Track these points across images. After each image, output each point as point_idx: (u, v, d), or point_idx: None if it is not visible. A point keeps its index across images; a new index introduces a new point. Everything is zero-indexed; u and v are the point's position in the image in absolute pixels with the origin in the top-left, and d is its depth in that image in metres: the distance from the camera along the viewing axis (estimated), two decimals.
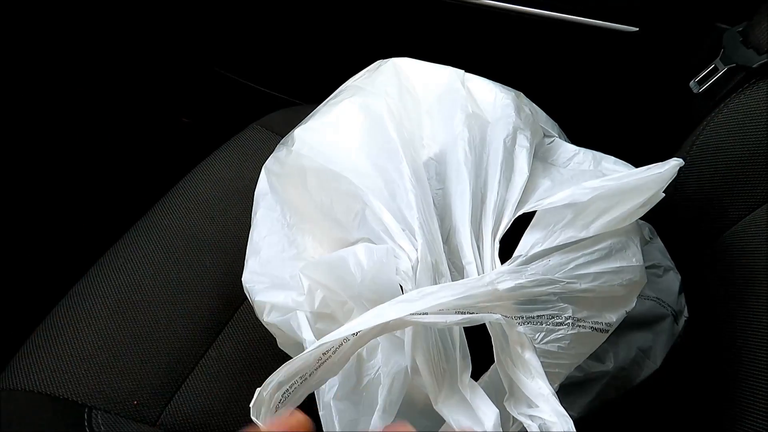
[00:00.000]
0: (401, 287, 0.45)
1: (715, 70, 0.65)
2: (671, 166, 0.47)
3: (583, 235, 0.46)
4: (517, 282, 0.42)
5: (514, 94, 0.58)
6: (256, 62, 1.13)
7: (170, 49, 1.20)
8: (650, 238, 0.62)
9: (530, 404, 0.40)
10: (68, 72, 1.15)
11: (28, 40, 1.04)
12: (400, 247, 0.46)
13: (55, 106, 1.14)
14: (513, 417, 0.40)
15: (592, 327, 0.44)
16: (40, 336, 0.58)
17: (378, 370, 0.45)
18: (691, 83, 0.67)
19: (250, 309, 0.54)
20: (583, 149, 0.57)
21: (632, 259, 0.47)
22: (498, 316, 0.40)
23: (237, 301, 0.63)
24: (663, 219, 0.61)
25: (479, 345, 0.43)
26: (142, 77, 1.23)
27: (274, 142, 0.64)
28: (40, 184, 1.11)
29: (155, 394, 0.55)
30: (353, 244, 0.50)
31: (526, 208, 0.49)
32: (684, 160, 0.47)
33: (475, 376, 0.42)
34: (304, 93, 1.10)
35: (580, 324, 0.44)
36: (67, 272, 0.67)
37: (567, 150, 0.57)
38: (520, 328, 0.42)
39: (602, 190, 0.46)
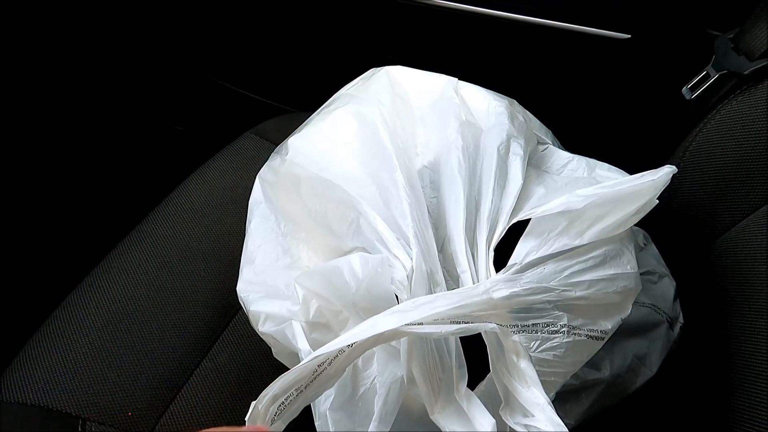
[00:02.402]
0: (396, 296, 0.45)
1: (707, 77, 0.65)
2: (664, 173, 0.47)
3: (577, 242, 0.46)
4: (512, 290, 0.42)
5: (507, 101, 0.58)
6: (249, 70, 1.13)
7: (164, 57, 1.20)
8: (644, 245, 0.62)
9: (526, 413, 0.40)
10: (61, 80, 1.14)
11: (22, 46, 1.04)
12: (395, 256, 0.46)
13: (47, 114, 1.14)
14: (509, 426, 0.40)
15: (587, 335, 0.44)
16: (33, 347, 0.58)
17: (374, 380, 0.45)
18: (684, 89, 0.68)
19: (245, 319, 0.54)
20: (576, 156, 0.57)
21: (627, 266, 0.47)
22: (493, 325, 0.40)
23: (232, 310, 0.62)
24: (657, 225, 0.61)
25: (475, 354, 0.43)
26: (136, 85, 1.23)
27: (268, 150, 0.64)
28: (34, 193, 1.11)
29: (149, 405, 0.55)
30: (348, 253, 0.50)
31: (521, 216, 0.49)
32: (677, 166, 0.48)
33: (471, 385, 0.42)
34: (297, 101, 1.10)
35: (575, 332, 0.44)
36: (60, 282, 0.66)
37: (561, 157, 0.57)
38: (515, 337, 0.42)
39: (596, 198, 0.46)
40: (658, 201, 0.48)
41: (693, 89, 0.66)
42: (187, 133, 1.27)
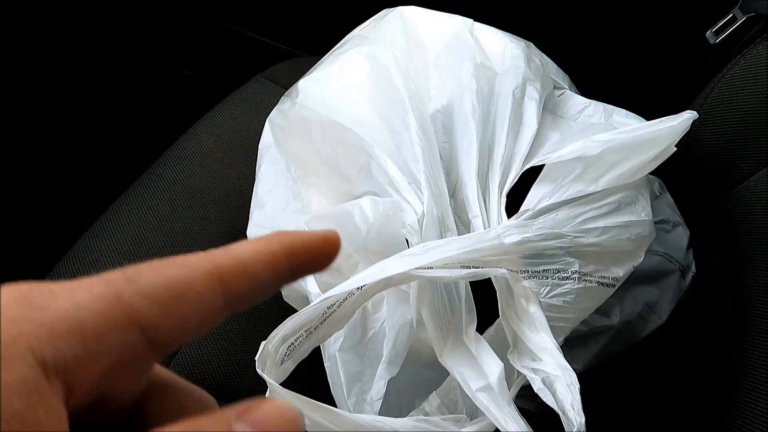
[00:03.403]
0: (407, 241, 0.44)
1: (733, 20, 0.63)
2: (685, 119, 0.45)
3: (591, 189, 0.45)
4: (524, 236, 0.42)
5: (524, 44, 0.56)
6: (260, 13, 1.10)
7: (172, 0, 1.17)
8: (660, 193, 0.61)
9: (534, 357, 0.40)
10: (68, 22, 1.13)
11: None
12: (406, 200, 0.45)
13: (55, 56, 1.13)
14: (517, 370, 0.41)
15: (598, 281, 0.44)
16: None
17: (383, 323, 0.45)
18: (708, 33, 0.65)
19: None
20: (593, 102, 0.56)
21: (641, 213, 0.46)
22: (503, 270, 0.40)
23: None
24: (673, 173, 0.60)
25: (485, 298, 0.43)
26: (144, 28, 1.21)
27: (278, 94, 0.63)
28: (43, 136, 1.11)
29: None
30: (358, 197, 0.49)
31: (535, 162, 0.48)
32: (698, 113, 0.46)
33: (480, 329, 0.42)
34: (308, 44, 1.07)
35: (586, 278, 0.44)
36: (70, 226, 0.67)
37: (577, 102, 0.56)
38: (526, 282, 0.42)
39: (612, 144, 0.45)
40: (676, 148, 0.47)
41: (718, 33, 0.64)
42: (195, 77, 1.26)
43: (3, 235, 0.96)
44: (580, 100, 0.56)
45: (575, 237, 0.43)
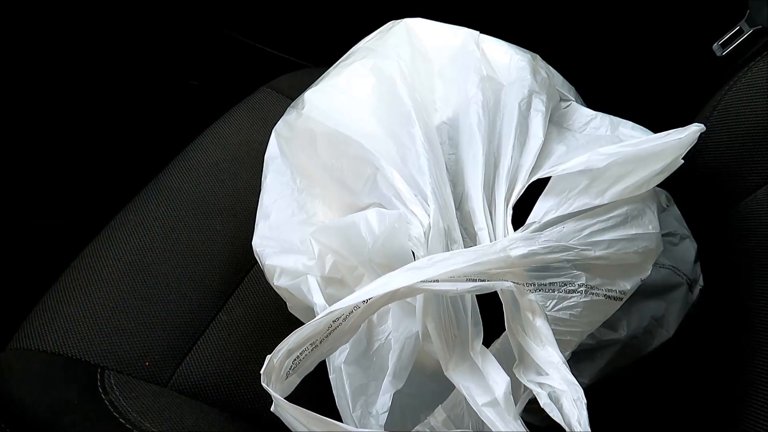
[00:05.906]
0: (413, 253, 0.44)
1: (739, 33, 0.63)
2: (691, 131, 0.45)
3: (598, 202, 0.45)
4: (530, 249, 0.42)
5: (530, 56, 0.57)
6: (266, 24, 1.11)
7: (178, 11, 1.18)
8: (667, 206, 0.60)
9: (540, 372, 0.40)
10: (75, 33, 1.13)
11: None
12: (412, 212, 0.45)
13: (61, 67, 1.13)
14: (523, 384, 0.40)
15: (605, 295, 0.44)
16: (52, 297, 0.59)
17: (389, 336, 0.45)
18: (714, 46, 0.65)
19: (261, 273, 0.54)
20: (600, 114, 0.56)
21: (648, 226, 0.46)
22: (509, 283, 0.40)
23: (247, 264, 0.63)
24: (680, 186, 0.59)
25: (491, 312, 0.43)
26: (150, 39, 1.22)
27: (284, 105, 0.63)
28: (50, 146, 1.11)
29: (166, 355, 0.56)
30: (364, 209, 0.49)
31: (540, 174, 0.48)
32: (704, 125, 0.46)
33: (486, 343, 0.42)
34: (314, 55, 1.08)
35: (593, 291, 0.43)
36: (78, 234, 0.67)
37: (583, 114, 0.56)
38: (532, 296, 0.41)
39: (619, 156, 0.45)
40: (683, 161, 0.46)
41: (724, 45, 0.64)
42: (201, 87, 1.26)
43: (11, 243, 0.96)
44: (587, 113, 0.56)
45: (582, 250, 0.42)
